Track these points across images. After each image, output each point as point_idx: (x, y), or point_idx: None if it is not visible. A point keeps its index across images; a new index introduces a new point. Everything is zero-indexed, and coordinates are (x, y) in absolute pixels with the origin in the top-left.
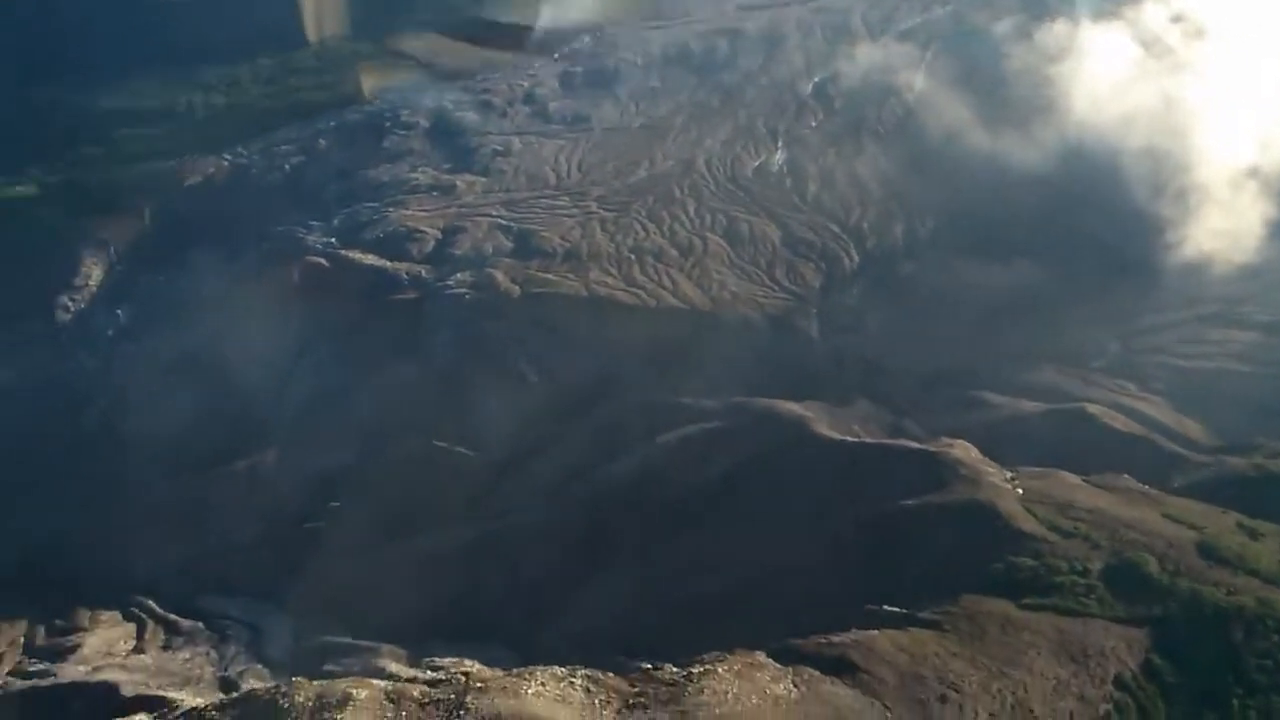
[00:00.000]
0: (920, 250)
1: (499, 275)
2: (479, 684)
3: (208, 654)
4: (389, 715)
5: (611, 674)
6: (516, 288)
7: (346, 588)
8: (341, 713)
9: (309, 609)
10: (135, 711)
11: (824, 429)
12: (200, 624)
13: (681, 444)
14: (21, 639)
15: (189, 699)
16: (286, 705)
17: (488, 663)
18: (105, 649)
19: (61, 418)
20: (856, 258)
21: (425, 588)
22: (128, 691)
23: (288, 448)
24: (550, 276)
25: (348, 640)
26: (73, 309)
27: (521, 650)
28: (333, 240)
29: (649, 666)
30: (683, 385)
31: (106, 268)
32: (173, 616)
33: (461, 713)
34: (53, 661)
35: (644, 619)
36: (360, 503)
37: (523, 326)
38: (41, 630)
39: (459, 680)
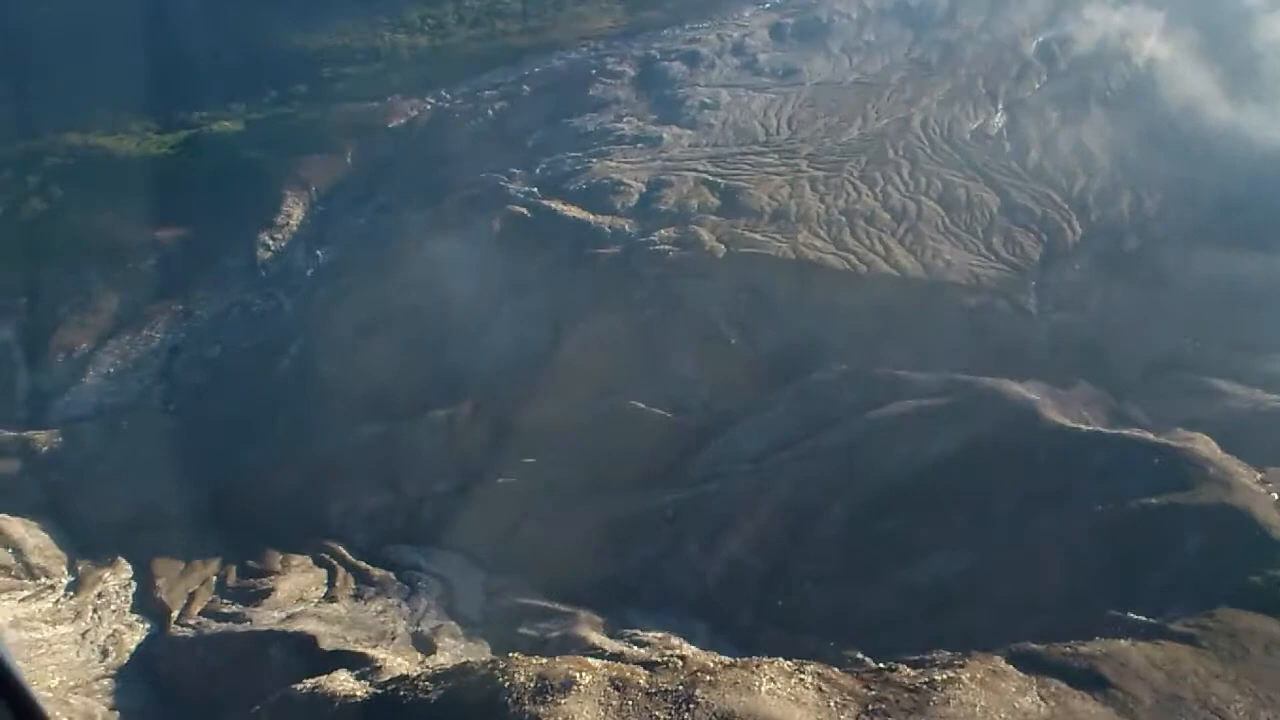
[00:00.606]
0: (1148, 226)
1: (704, 233)
2: (707, 676)
3: (398, 606)
4: (614, 703)
5: (841, 671)
6: (722, 246)
7: (539, 546)
8: (565, 697)
9: (499, 566)
10: (333, 666)
11: (1054, 414)
12: (390, 574)
13: (898, 421)
14: (214, 578)
15: (389, 658)
16: (506, 684)
17: (688, 637)
18: (298, 594)
19: (259, 358)
20: (1079, 230)
21: (619, 553)
22: (326, 644)
23: (485, 401)
24: (757, 236)
25: (542, 603)
26: (273, 248)
27: (720, 626)
28: (534, 190)
29: (882, 666)
30: (892, 357)
31: (307, 207)
32: (363, 565)
33: (691, 707)
34: (246, 604)
35: (851, 604)
36: (556, 460)
37: (727, 287)
38: (234, 570)
39: (675, 663)
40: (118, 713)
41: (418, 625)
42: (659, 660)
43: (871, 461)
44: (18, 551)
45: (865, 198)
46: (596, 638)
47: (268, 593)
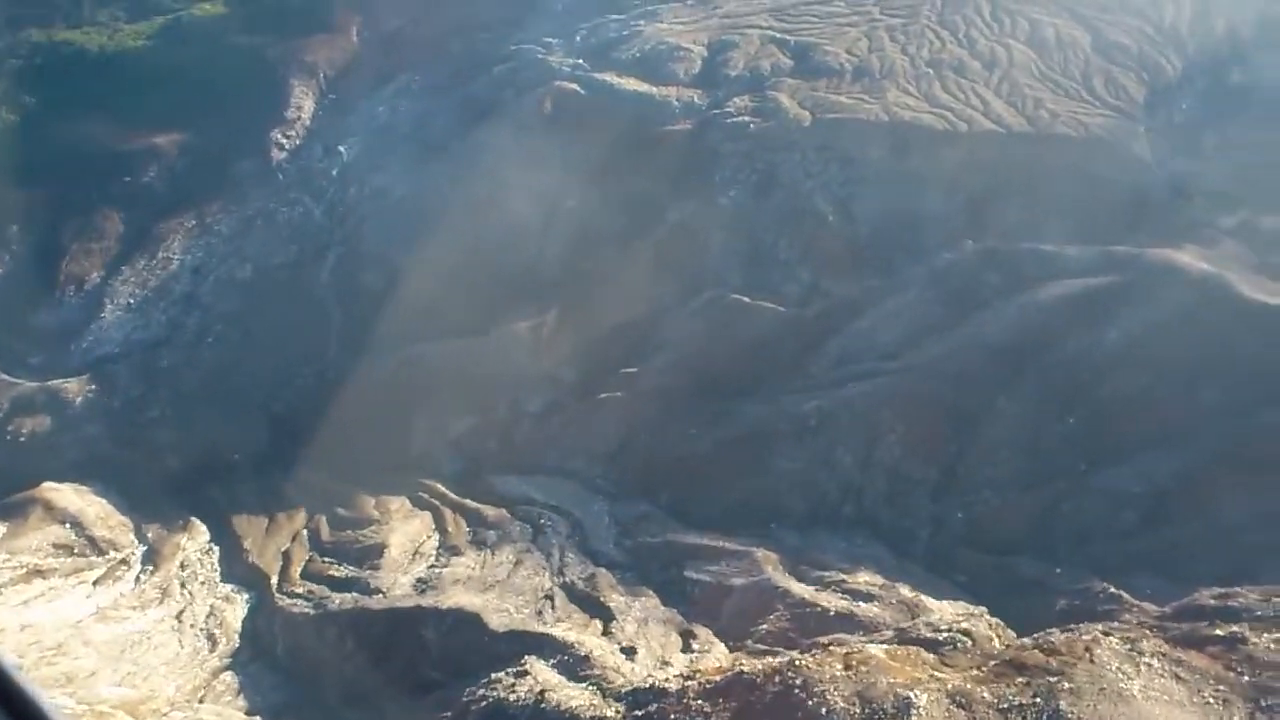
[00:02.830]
0: (1249, 57)
1: (784, 99)
2: (1067, 682)
3: (530, 554)
4: None
5: (1182, 647)
6: (806, 113)
7: (659, 466)
8: None
9: (619, 491)
10: (508, 649)
11: (1246, 289)
12: (504, 512)
13: (1062, 305)
14: (304, 531)
15: (585, 640)
16: (820, 708)
17: (878, 567)
18: (412, 547)
19: (295, 274)
20: (1178, 65)
21: (758, 468)
22: (495, 623)
23: (568, 307)
24: (843, 99)
25: (697, 538)
26: (287, 147)
27: (902, 548)
28: (580, 62)
29: (1226, 633)
30: (1001, 222)
31: (317, 97)
32: (470, 503)
33: None
34: (356, 564)
35: (1050, 513)
36: (659, 367)
37: (816, 159)
38: (324, 521)
39: (962, 642)
40: (258, 719)
41: (564, 577)
42: (941, 639)
43: (1040, 353)
44: (76, 525)
45: (950, 45)
46: (796, 587)
47: (378, 549)
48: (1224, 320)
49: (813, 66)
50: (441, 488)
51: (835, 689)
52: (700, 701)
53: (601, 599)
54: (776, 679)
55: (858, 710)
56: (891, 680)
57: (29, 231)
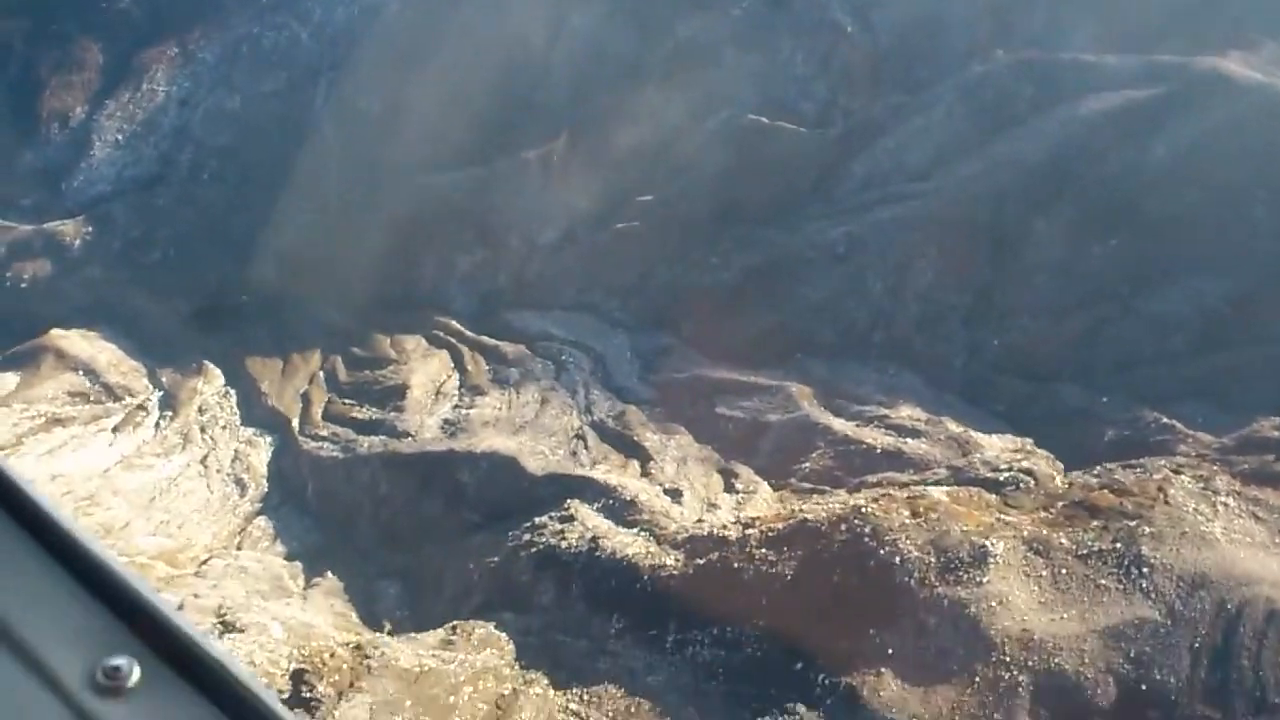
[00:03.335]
0: None
1: None
2: (1147, 526)
3: (555, 391)
4: (1043, 574)
5: (1265, 487)
6: None
7: (680, 297)
8: (984, 574)
9: (639, 323)
10: (551, 492)
11: None
12: (523, 348)
13: (1103, 119)
14: (321, 373)
15: (627, 483)
16: (893, 556)
17: (915, 399)
18: (433, 387)
19: (286, 103)
20: None
21: (784, 297)
22: (533, 466)
23: (577, 132)
24: None
25: (728, 374)
26: None
27: (936, 377)
28: None
29: None
30: (1026, 27)
31: None
32: (487, 340)
33: (1146, 571)
34: (379, 405)
35: (1092, 339)
36: (676, 194)
37: None
38: (339, 362)
39: (1025, 481)
40: (299, 564)
41: (593, 415)
42: (1002, 479)
43: (1081, 171)
44: (89, 371)
45: None
46: (837, 423)
47: (399, 390)
48: (1276, 133)
49: None
50: (458, 325)
51: (907, 537)
52: (764, 550)
53: (635, 437)
54: (843, 527)
55: (933, 560)
56: (965, 527)
57: (4, 67)
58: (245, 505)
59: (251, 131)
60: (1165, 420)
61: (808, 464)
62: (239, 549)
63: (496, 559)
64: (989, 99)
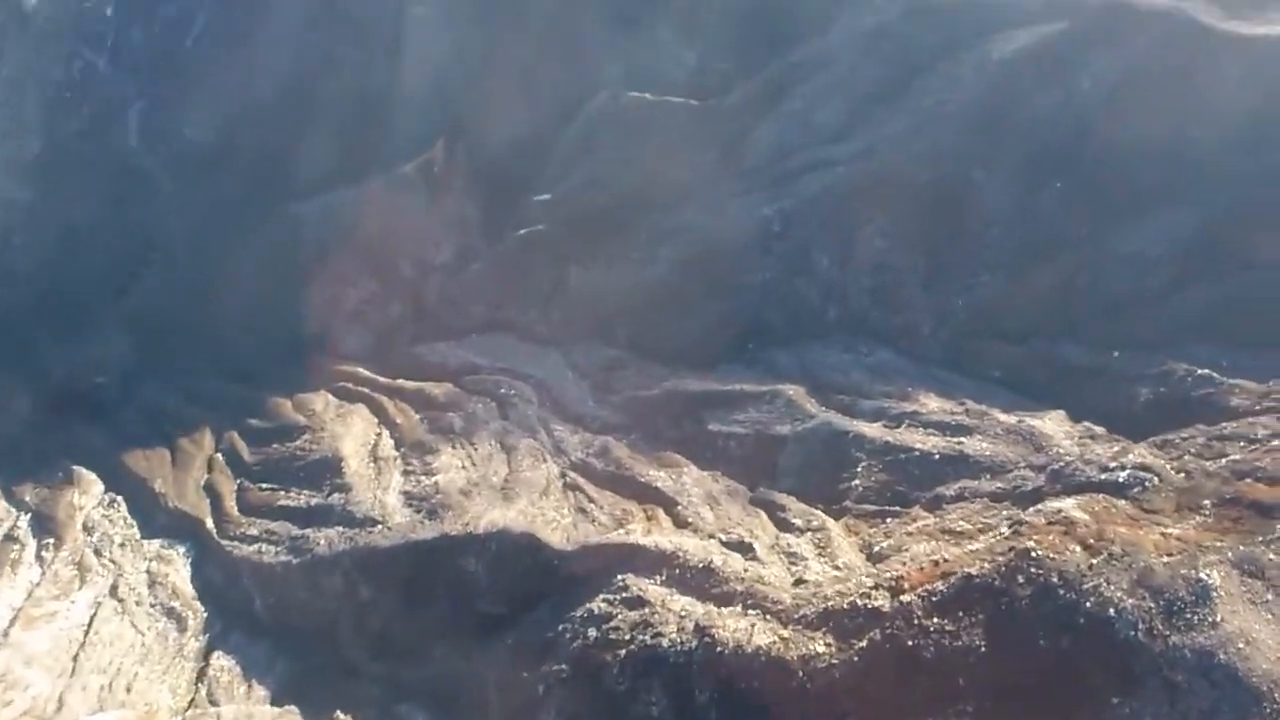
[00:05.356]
0: None
1: None
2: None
3: (508, 433)
4: (1267, 598)
5: None
6: None
7: (607, 299)
8: (1211, 611)
9: (568, 337)
10: (587, 566)
11: (1217, 21)
12: (451, 387)
13: (1023, 60)
14: (219, 456)
15: (664, 541)
16: (1111, 612)
17: (904, 377)
18: (367, 453)
19: (95, 140)
20: None
21: (725, 286)
22: (555, 539)
23: (450, 134)
24: None
25: (703, 384)
26: None
27: (906, 348)
28: None
29: None
30: None
31: None
32: (406, 383)
33: None
34: (313, 488)
35: (1066, 288)
36: (574, 189)
37: None
38: (236, 437)
39: (1193, 487)
40: (293, 708)
41: (568, 455)
42: (1121, 480)
43: (1011, 115)
44: None
45: None
46: (868, 429)
47: (330, 464)
48: (1199, 57)
49: None
50: (365, 372)
51: (1107, 581)
52: (936, 620)
53: (639, 477)
54: (1019, 579)
55: (1152, 605)
56: (1167, 559)
57: None
58: (190, 641)
59: (61, 180)
60: (1202, 371)
61: (857, 481)
62: (214, 703)
63: (565, 666)
64: (891, 51)
